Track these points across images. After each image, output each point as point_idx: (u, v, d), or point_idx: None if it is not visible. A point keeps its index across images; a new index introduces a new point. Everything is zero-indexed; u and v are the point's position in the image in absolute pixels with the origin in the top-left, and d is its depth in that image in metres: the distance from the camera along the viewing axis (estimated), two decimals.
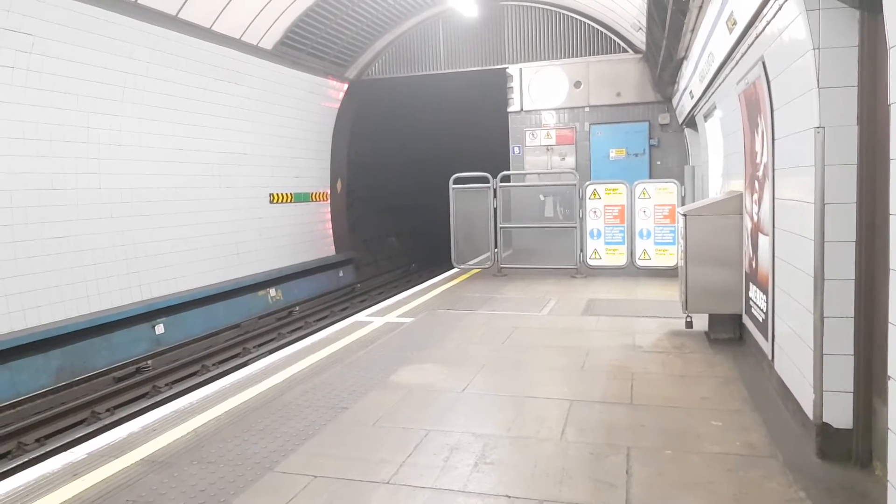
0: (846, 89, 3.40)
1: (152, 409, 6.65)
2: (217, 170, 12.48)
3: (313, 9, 13.35)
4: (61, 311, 9.23)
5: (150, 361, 10.03)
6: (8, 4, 7.97)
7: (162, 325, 10.94)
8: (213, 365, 10.37)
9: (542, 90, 15.42)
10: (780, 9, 3.89)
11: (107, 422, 7.93)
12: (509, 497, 3.39)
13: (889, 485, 2.29)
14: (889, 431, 2.28)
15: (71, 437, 7.54)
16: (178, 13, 10.53)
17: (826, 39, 3.40)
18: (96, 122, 9.71)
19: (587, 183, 11.15)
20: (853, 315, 3.46)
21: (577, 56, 15.23)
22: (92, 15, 9.10)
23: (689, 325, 6.80)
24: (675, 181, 10.57)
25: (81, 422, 8.08)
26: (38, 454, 7.00)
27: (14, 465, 6.77)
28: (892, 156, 2.30)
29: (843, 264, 3.48)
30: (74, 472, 3.80)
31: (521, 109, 15.61)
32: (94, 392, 8.79)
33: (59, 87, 8.97)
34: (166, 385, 9.37)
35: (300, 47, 14.13)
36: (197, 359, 10.48)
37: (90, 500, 3.46)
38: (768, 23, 4.26)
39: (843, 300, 3.49)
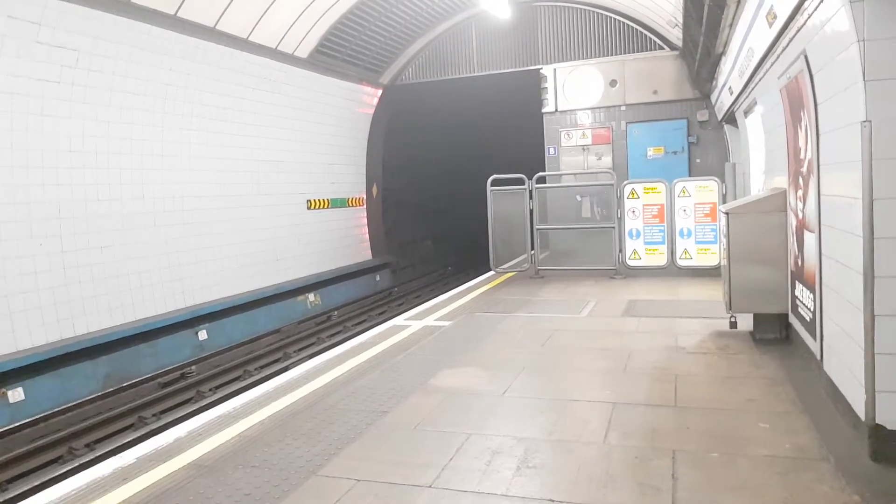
0: (893, 81, 3.30)
1: (197, 413, 6.76)
2: (256, 178, 12.67)
3: (347, 16, 13.47)
4: (108, 318, 9.45)
5: (193, 367, 10.22)
6: (54, 22, 8.20)
7: (205, 330, 11.14)
8: (255, 370, 10.51)
9: (576, 90, 15.31)
10: (822, 1, 3.80)
11: (153, 427, 8.10)
12: (553, 501, 3.37)
13: None
14: None
15: (119, 442, 7.71)
16: (215, 25, 10.72)
17: (871, 31, 3.31)
18: (139, 134, 9.92)
19: (625, 182, 11.01)
20: None
21: (611, 55, 15.09)
22: (133, 29, 9.31)
23: (734, 325, 6.66)
24: (716, 179, 10.38)
25: (129, 427, 8.26)
26: (88, 459, 7.17)
27: (65, 469, 6.94)
28: None
29: (894, 261, 3.37)
30: (124, 476, 3.89)
31: (556, 110, 15.52)
32: (141, 398, 8.98)
33: (102, 101, 9.20)
34: (210, 390, 9.52)
35: (335, 55, 14.27)
36: (239, 364, 10.64)
37: None
38: (810, 15, 4.16)
39: (894, 297, 3.38)
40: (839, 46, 3.64)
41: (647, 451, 3.90)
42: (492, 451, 4.01)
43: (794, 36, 4.76)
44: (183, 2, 9.80)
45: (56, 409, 8.25)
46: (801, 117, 4.84)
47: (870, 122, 3.38)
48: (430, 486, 3.59)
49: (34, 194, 8.43)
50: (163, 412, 8.73)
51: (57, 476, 6.68)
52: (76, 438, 7.68)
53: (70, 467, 6.97)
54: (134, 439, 7.60)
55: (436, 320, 8.22)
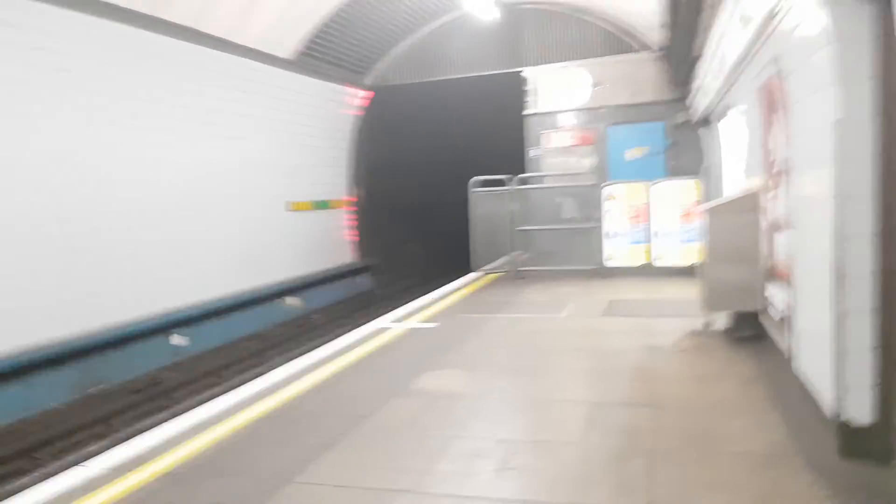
0: (864, 82, 3.34)
1: (170, 421, 6.64)
2: (236, 179, 12.50)
3: (332, 18, 13.43)
4: (78, 324, 9.10)
5: (167, 373, 9.96)
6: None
7: (179, 336, 10.89)
8: (233, 375, 10.30)
9: (558, 92, 15.36)
10: (794, 4, 3.84)
11: (124, 435, 7.84)
12: (532, 502, 3.37)
13: None
14: None
15: (87, 451, 7.39)
16: (197, 25, 10.61)
17: (842, 33, 3.35)
18: (113, 136, 9.66)
19: (605, 183, 11.09)
20: (874, 309, 3.40)
21: (592, 57, 15.15)
22: (111, 30, 9.19)
23: (710, 324, 6.72)
24: (693, 179, 10.49)
25: (98, 436, 7.97)
26: (53, 469, 6.87)
27: (29, 480, 6.69)
28: None
29: (863, 258, 3.41)
30: (90, 486, 3.78)
31: (538, 112, 15.57)
32: (112, 405, 8.72)
33: (78, 103, 9.02)
34: (185, 397, 9.30)
35: (319, 56, 14.21)
36: (215, 369, 10.43)
37: None
38: (782, 19, 4.22)
39: (862, 294, 3.42)
40: (811, 49, 3.69)
41: (626, 450, 3.92)
42: (472, 453, 4.01)
43: (767, 39, 4.82)
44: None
45: (21, 419, 7.98)
46: (775, 118, 4.90)
47: (841, 122, 3.42)
48: (409, 491, 3.58)
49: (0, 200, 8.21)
50: (134, 420, 8.48)
51: (19, 487, 6.47)
52: (42, 448, 7.46)
53: (34, 478, 6.72)
54: (103, 448, 7.39)
55: (418, 322, 8.21)
